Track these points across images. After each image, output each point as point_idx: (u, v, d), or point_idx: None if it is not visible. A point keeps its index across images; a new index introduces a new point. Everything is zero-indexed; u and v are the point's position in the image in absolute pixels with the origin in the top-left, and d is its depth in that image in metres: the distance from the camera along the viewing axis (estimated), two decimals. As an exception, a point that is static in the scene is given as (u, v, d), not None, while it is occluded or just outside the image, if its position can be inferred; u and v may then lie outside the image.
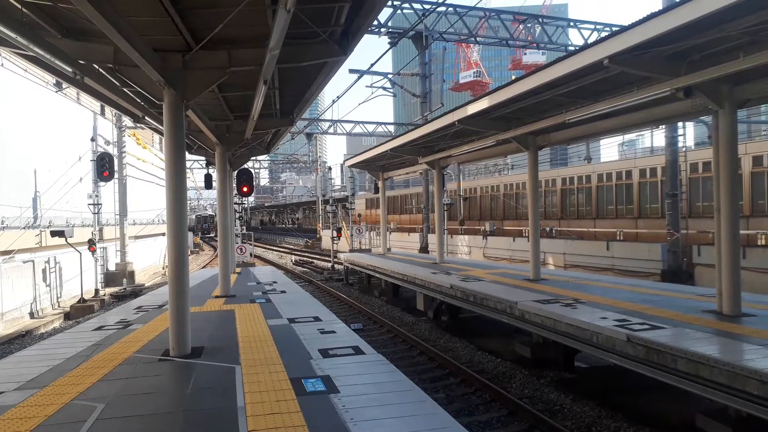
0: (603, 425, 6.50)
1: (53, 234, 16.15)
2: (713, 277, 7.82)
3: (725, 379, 5.13)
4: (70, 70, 5.77)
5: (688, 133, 17.30)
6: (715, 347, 5.68)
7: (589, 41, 23.80)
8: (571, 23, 26.96)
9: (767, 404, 4.73)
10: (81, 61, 6.07)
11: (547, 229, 23.08)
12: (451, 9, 24.09)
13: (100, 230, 20.27)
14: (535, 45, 28.01)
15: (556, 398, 7.47)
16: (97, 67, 6.53)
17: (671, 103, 7.96)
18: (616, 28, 8.59)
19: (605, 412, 6.86)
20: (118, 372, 5.47)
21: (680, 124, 15.81)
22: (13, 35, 4.66)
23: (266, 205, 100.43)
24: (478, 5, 18.52)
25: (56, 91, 17.51)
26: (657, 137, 34.79)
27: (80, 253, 16.91)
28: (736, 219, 7.35)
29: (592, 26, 26.51)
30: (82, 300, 16.54)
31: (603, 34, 23.43)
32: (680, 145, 16.33)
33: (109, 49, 6.09)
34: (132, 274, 22.00)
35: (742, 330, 6.43)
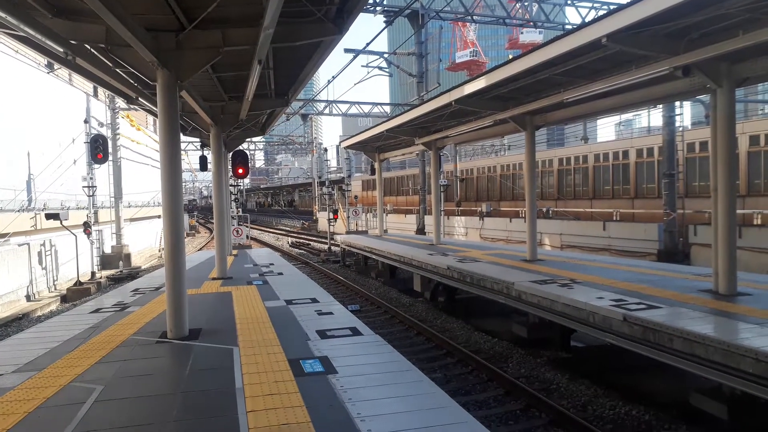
0: (599, 404, 6.58)
1: (48, 217, 16.09)
2: (709, 257, 7.85)
3: (720, 357, 5.17)
4: (61, 50, 5.66)
5: (686, 112, 17.22)
6: (710, 326, 5.72)
7: (587, 20, 23.57)
8: (569, 2, 26.59)
9: (761, 382, 4.78)
10: (72, 41, 5.95)
11: (544, 209, 23.11)
12: (447, -13, 23.71)
13: (95, 213, 20.15)
14: (532, 24, 27.66)
15: (553, 377, 7.55)
16: (89, 47, 6.41)
17: (669, 81, 7.91)
18: (614, 6, 8.50)
19: (601, 391, 6.93)
20: (116, 354, 5.48)
21: (678, 103, 15.76)
22: (2, 14, 4.56)
23: (262, 186, 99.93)
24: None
25: (48, 72, 17.27)
26: (654, 117, 34.75)
27: (75, 236, 16.85)
28: (732, 198, 7.35)
29: (590, 4, 26.17)
30: (78, 283, 16.54)
31: (601, 13, 23.20)
32: (677, 124, 16.29)
33: (101, 29, 5.97)
34: (128, 256, 21.98)
35: (738, 309, 6.48)
